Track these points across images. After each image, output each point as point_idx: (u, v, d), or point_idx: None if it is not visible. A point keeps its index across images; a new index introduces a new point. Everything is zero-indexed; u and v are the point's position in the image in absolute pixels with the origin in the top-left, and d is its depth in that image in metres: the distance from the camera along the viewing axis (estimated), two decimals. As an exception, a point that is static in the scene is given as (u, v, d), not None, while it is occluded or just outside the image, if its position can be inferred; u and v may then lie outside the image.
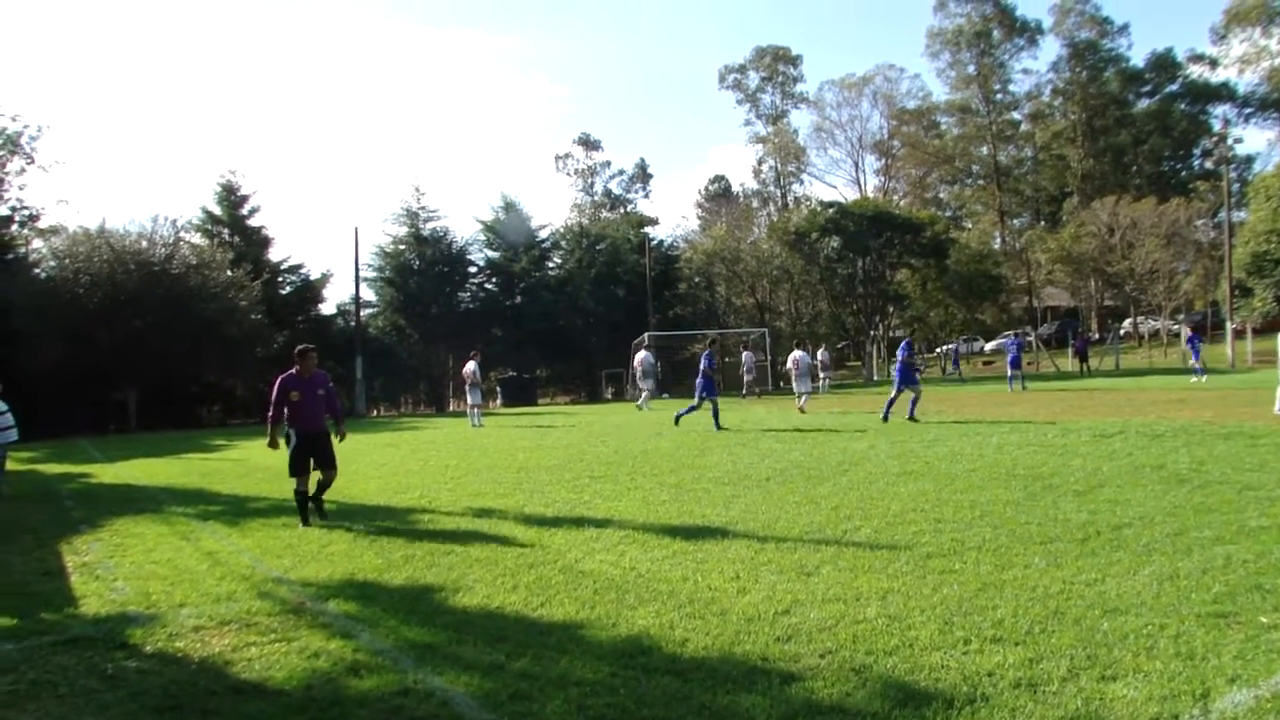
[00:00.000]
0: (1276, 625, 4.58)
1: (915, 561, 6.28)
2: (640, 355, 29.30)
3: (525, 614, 5.61)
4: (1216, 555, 5.97)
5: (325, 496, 9.71)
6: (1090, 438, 12.75)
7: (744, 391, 35.80)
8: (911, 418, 17.03)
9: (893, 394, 17.69)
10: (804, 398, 22.37)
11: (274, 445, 9.57)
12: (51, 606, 6.47)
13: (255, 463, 17.10)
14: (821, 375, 33.18)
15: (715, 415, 17.91)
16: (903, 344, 18.41)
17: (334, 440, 9.68)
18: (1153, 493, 8.34)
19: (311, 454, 9.39)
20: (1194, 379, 27.68)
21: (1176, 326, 46.51)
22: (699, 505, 9.14)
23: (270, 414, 9.50)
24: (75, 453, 22.79)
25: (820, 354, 34.64)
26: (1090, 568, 5.86)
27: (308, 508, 9.41)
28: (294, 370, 9.44)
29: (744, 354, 39.80)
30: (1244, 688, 3.86)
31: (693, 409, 18.86)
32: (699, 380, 18.46)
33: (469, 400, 25.37)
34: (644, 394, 28.81)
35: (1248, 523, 6.87)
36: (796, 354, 23.44)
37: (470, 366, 24.93)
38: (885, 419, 17.16)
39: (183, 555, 8.10)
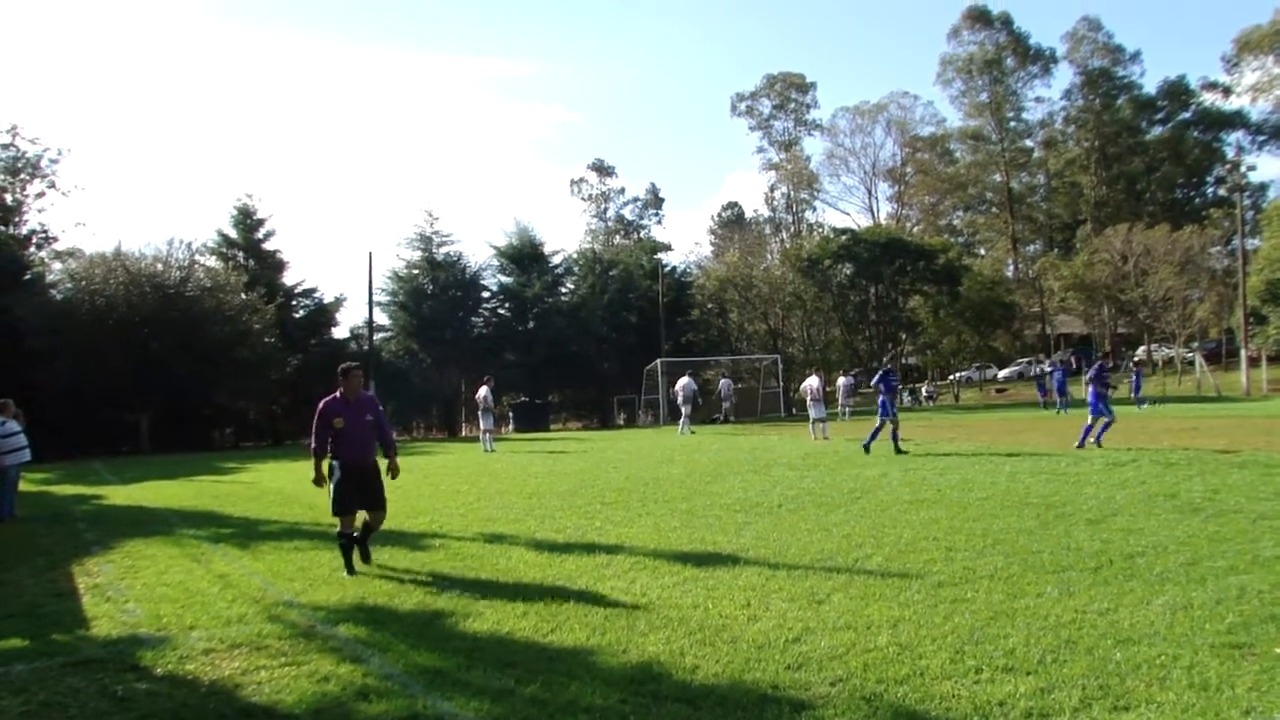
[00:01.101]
0: (1292, 657, 4.53)
1: (927, 590, 6.25)
2: (682, 381, 29.57)
3: (535, 640, 5.61)
4: (1231, 585, 5.92)
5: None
6: (1103, 466, 12.68)
7: (722, 418, 36.44)
8: (1088, 440, 15.90)
9: (1089, 421, 16.17)
10: (823, 425, 21.98)
11: (319, 482, 8.06)
12: (63, 628, 6.50)
13: (267, 486, 17.17)
14: (842, 402, 33.10)
15: (894, 437, 16.91)
16: (1097, 366, 16.95)
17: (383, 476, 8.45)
18: (1166, 522, 8.28)
19: (359, 490, 8.09)
20: (1139, 408, 29.15)
21: (1191, 354, 46.26)
22: (710, 532, 9.12)
23: (313, 445, 8.05)
24: (88, 474, 22.91)
25: (841, 380, 34.57)
26: (1103, 597, 5.82)
27: (353, 552, 8.13)
28: (337, 393, 8.14)
29: (722, 381, 40.34)
30: (1259, 720, 3.83)
31: (876, 431, 17.45)
32: (880, 400, 17.48)
33: (481, 425, 25.43)
34: (684, 420, 29.04)
35: (1262, 552, 6.81)
36: (812, 380, 23.30)
37: (483, 391, 25.01)
38: (1082, 445, 15.76)
39: (194, 578, 8.12)
